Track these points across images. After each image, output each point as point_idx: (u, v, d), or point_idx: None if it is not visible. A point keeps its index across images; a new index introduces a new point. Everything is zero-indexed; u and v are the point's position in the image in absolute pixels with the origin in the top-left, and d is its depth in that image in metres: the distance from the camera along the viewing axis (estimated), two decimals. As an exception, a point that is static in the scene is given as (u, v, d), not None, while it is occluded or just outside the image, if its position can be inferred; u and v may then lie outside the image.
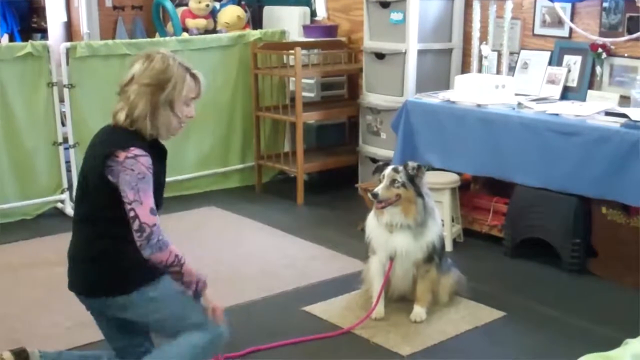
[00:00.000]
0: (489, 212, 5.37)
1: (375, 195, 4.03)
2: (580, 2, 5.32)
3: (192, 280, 3.10)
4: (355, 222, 5.43)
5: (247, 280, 4.75)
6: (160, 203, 3.12)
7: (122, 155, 2.95)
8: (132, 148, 2.97)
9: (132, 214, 2.92)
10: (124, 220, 2.96)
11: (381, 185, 4.06)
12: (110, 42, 6.27)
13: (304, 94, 6.66)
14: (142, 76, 3.04)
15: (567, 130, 4.68)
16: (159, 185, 3.09)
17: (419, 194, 4.07)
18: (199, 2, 7.87)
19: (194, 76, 3.13)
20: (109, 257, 3.06)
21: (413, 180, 4.07)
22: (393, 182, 4.05)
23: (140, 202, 2.93)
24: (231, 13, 7.79)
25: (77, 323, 4.08)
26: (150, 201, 2.96)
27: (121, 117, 3.06)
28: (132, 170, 2.94)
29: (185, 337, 3.10)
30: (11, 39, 9.84)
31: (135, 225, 2.92)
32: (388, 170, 4.12)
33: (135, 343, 3.31)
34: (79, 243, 3.15)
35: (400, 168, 4.11)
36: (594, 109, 4.89)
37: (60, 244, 5.35)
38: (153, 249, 2.93)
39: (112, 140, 3.04)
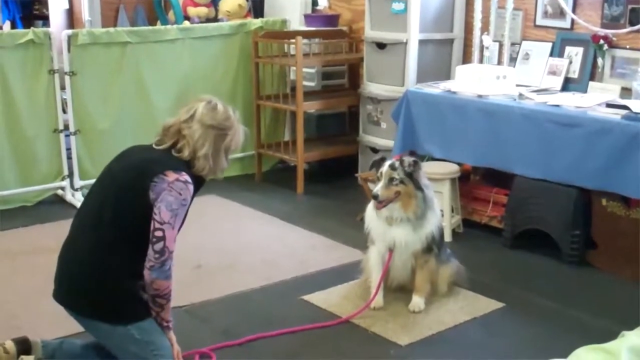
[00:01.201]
0: (488, 203, 5.37)
1: (375, 197, 4.03)
2: (583, -6, 5.32)
3: (168, 318, 3.18)
4: (355, 212, 5.43)
5: (246, 269, 4.76)
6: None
7: (172, 176, 3.04)
8: (184, 173, 3.07)
9: (159, 234, 2.97)
10: (139, 246, 3.00)
11: (380, 185, 4.05)
12: (111, 29, 6.26)
13: (305, 83, 6.66)
14: (207, 118, 3.17)
15: (567, 121, 4.68)
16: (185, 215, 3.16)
17: (418, 188, 4.07)
18: (201, -10, 7.86)
19: (243, 130, 3.34)
20: (111, 282, 3.08)
21: (411, 175, 4.07)
22: (391, 180, 4.04)
23: (172, 227, 3.00)
24: (232, 2, 7.77)
25: (77, 310, 4.09)
26: (177, 230, 3.05)
27: (186, 153, 3.15)
28: (180, 194, 3.02)
29: None
30: (13, 26, 9.80)
31: (158, 247, 2.97)
32: (385, 168, 4.09)
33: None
34: (82, 255, 3.15)
35: (397, 164, 4.08)
36: (595, 101, 4.89)
37: (60, 230, 5.34)
38: (161, 275, 2.99)
39: (163, 161, 3.11)
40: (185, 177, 3.07)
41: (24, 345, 3.26)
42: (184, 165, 3.12)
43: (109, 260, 3.07)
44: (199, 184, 3.22)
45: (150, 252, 2.99)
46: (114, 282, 3.08)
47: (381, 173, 4.08)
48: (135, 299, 3.10)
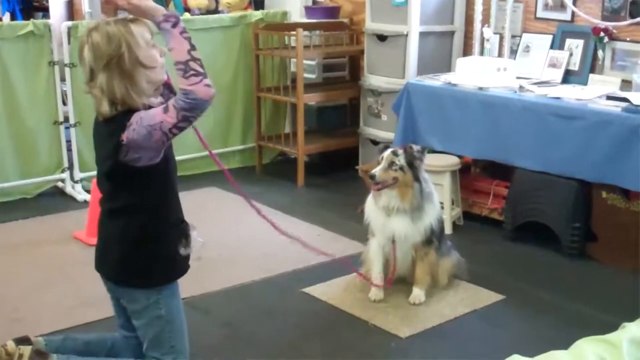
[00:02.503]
0: (489, 196, 5.37)
1: (372, 177, 4.04)
2: (583, -14, 5.31)
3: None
4: (355, 204, 5.43)
5: (246, 261, 4.76)
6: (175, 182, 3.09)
7: (124, 136, 2.75)
8: (127, 123, 2.75)
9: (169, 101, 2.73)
10: (151, 206, 2.93)
11: (379, 167, 4.06)
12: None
13: (305, 75, 6.65)
14: (95, 59, 2.82)
15: (568, 114, 4.68)
16: (168, 162, 2.98)
17: (416, 179, 4.07)
18: (201, -18, 7.84)
19: (135, 22, 2.86)
20: (138, 246, 2.98)
21: (412, 164, 4.07)
22: (391, 164, 4.06)
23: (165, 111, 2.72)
24: (233, -7, 7.76)
25: (79, 302, 4.10)
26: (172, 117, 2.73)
27: (105, 108, 2.81)
28: (137, 123, 2.73)
29: None
30: (13, 18, 9.80)
31: (185, 99, 2.70)
32: (387, 152, 4.12)
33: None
34: (105, 222, 3.06)
35: (400, 151, 4.10)
36: (596, 93, 4.88)
37: (60, 222, 5.41)
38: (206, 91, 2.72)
39: (109, 133, 2.82)
40: (131, 120, 2.73)
41: (25, 344, 3.18)
42: (125, 117, 2.77)
43: (120, 228, 2.98)
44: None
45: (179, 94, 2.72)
46: (129, 246, 2.97)
47: (382, 157, 4.09)
48: (161, 260, 2.99)
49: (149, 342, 3.09)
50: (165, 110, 2.73)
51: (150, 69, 2.86)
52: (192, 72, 2.73)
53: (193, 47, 2.78)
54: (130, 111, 2.79)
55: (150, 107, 2.83)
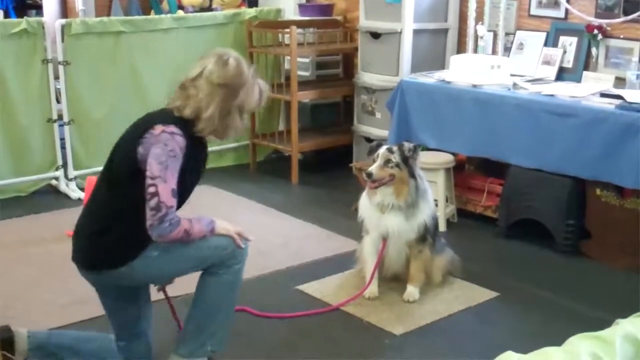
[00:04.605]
0: (483, 193, 5.38)
1: (369, 175, 4.03)
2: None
3: (204, 234, 3.07)
4: (350, 202, 5.44)
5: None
6: (186, 198, 3.14)
7: (159, 129, 2.93)
8: (171, 125, 2.95)
9: (152, 189, 2.87)
10: (138, 202, 2.92)
11: (375, 165, 4.06)
12: (105, 19, 6.25)
13: (299, 72, 6.65)
14: (214, 76, 3.02)
15: (562, 111, 4.69)
16: (195, 177, 3.13)
17: (412, 175, 4.07)
18: (195, -20, 7.83)
19: (260, 86, 3.17)
20: (113, 233, 3.01)
21: (407, 161, 4.07)
22: (387, 162, 4.05)
23: (164, 180, 2.88)
24: (227, -9, 7.76)
25: (72, 300, 4.09)
26: (173, 182, 2.92)
27: (187, 112, 3.02)
28: (165, 145, 2.90)
29: (216, 285, 3.14)
30: (6, 15, 9.76)
31: (152, 203, 2.88)
32: (382, 150, 4.11)
33: (136, 316, 3.27)
34: (85, 218, 3.14)
35: (395, 148, 4.10)
36: (589, 90, 4.89)
37: (54, 221, 5.40)
38: (163, 232, 2.90)
39: (154, 117, 3.04)
40: (172, 128, 2.93)
41: (5, 334, 3.18)
42: (179, 121, 3.00)
43: (109, 221, 3.02)
44: (200, 143, 3.11)
45: (147, 210, 2.88)
46: (117, 232, 3.01)
47: (377, 155, 4.09)
48: (140, 238, 2.98)
49: (195, 270, 3.16)
50: (162, 182, 2.89)
51: (241, 121, 3.13)
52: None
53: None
54: (187, 122, 3.00)
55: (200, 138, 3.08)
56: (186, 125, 3.01)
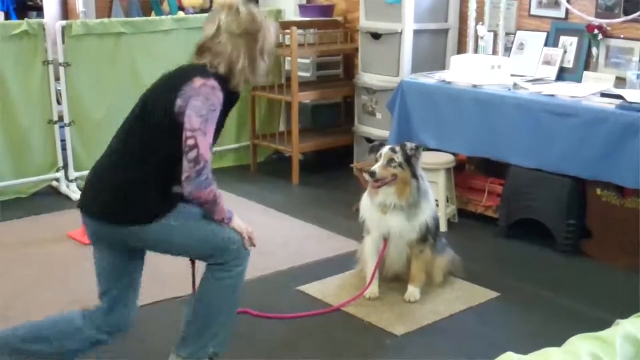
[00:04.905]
0: (484, 193, 5.38)
1: (372, 174, 4.03)
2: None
3: (222, 217, 3.08)
4: (351, 203, 5.44)
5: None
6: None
7: (199, 81, 2.94)
8: (212, 79, 2.97)
9: (191, 142, 2.87)
10: (171, 157, 2.93)
11: (378, 164, 4.06)
12: (106, 20, 6.25)
13: (300, 73, 6.65)
14: (234, 26, 3.04)
15: (562, 111, 4.69)
16: (220, 128, 3.08)
17: (414, 176, 4.07)
18: (195, -19, 7.84)
19: (271, 24, 3.19)
20: (138, 189, 2.99)
21: (409, 161, 4.07)
22: (390, 161, 4.05)
23: (204, 133, 2.89)
24: (227, -8, 7.75)
25: (73, 301, 4.09)
26: (211, 136, 2.94)
27: (222, 69, 3.05)
28: (207, 99, 2.92)
29: (218, 287, 3.13)
30: (7, 17, 9.77)
31: (192, 155, 2.88)
32: (385, 149, 4.11)
33: (126, 284, 3.19)
34: (108, 167, 3.08)
35: (398, 148, 4.10)
36: (590, 91, 4.89)
37: (55, 222, 5.40)
38: (200, 186, 2.90)
39: (191, 70, 3.04)
40: (213, 83, 2.95)
41: None
42: (217, 76, 3.02)
43: (136, 172, 2.99)
44: (235, 97, 3.14)
45: (184, 162, 2.88)
46: (145, 188, 2.99)
47: (380, 154, 4.09)
48: (164, 199, 3.01)
49: (194, 257, 3.16)
50: (202, 135, 2.90)
51: (265, 65, 3.16)
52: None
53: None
54: (223, 80, 3.02)
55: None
56: (223, 81, 3.03)
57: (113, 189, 3.02)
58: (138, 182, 3.00)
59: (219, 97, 2.96)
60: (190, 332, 3.21)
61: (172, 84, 3.00)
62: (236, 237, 3.12)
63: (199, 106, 2.90)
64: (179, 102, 2.92)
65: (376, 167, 4.04)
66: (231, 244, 3.10)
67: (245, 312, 3.89)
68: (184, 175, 2.90)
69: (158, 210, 3.02)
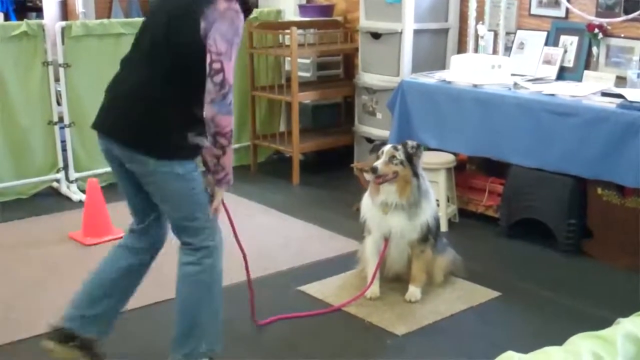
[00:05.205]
0: (484, 193, 5.38)
1: (374, 170, 4.03)
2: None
3: (227, 169, 3.07)
4: (351, 202, 5.44)
5: (242, 260, 4.75)
6: None
7: (222, 4, 2.90)
8: (233, 2, 2.94)
9: (217, 66, 2.86)
10: (191, 80, 2.93)
11: (380, 161, 4.06)
12: (105, 21, 6.25)
13: (300, 73, 6.65)
14: None
15: (563, 110, 4.69)
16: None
17: (415, 174, 4.07)
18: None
19: None
20: (161, 115, 2.99)
21: (410, 159, 4.07)
22: (392, 158, 4.06)
23: (229, 58, 2.89)
24: (227, -8, 7.75)
25: (73, 302, 4.09)
26: (234, 61, 2.94)
27: None
28: (232, 23, 2.90)
29: (192, 287, 3.20)
30: (6, 18, 9.78)
31: (217, 79, 2.87)
32: (387, 147, 4.13)
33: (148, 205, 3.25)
34: (136, 86, 3.06)
35: (399, 146, 4.11)
36: (590, 90, 4.89)
37: (55, 223, 5.40)
38: (222, 109, 2.89)
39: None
40: (236, 6, 2.93)
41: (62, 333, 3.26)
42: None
43: (160, 93, 2.99)
44: (248, 13, 3.09)
45: (209, 85, 2.87)
46: (164, 116, 2.99)
47: (382, 152, 4.09)
48: (184, 140, 3.00)
49: (173, 212, 3.15)
50: (228, 59, 2.89)
51: None
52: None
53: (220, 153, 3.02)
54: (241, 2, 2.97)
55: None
56: (242, 3, 3.00)
57: (138, 121, 3.03)
58: (162, 113, 2.99)
59: (241, 20, 2.95)
60: (177, 335, 3.25)
61: (194, 5, 2.93)
62: (210, 225, 3.21)
63: (224, 30, 2.88)
64: (203, 24, 2.89)
65: (378, 163, 4.05)
66: (205, 210, 3.16)
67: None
68: (208, 98, 2.88)
69: (177, 150, 3.02)
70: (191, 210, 3.13)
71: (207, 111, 2.90)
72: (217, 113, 2.89)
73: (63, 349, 3.24)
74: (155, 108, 3.00)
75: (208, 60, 2.87)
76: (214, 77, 2.86)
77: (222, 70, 2.86)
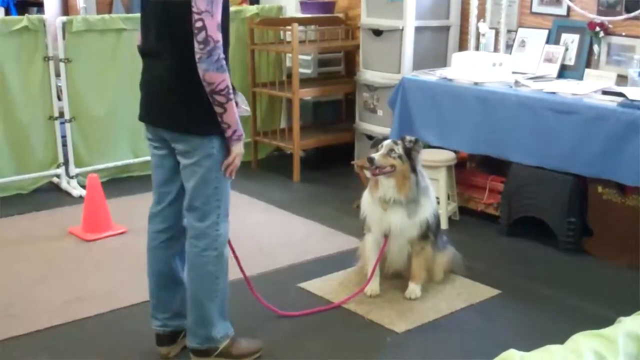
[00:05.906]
0: (485, 191, 5.38)
1: (371, 160, 4.02)
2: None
3: (232, 125, 3.13)
4: (351, 200, 5.43)
5: (242, 257, 4.74)
6: (229, 41, 3.17)
7: None
8: None
9: (199, 24, 2.93)
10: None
11: (378, 152, 4.06)
12: (106, 16, 6.24)
13: (301, 70, 6.65)
14: None
15: (563, 109, 4.68)
16: (226, 27, 3.12)
17: (413, 170, 4.07)
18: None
19: None
20: (192, 94, 3.08)
21: (409, 155, 4.07)
22: (390, 151, 4.05)
23: (210, 14, 2.94)
24: (228, -12, 7.74)
25: (74, 297, 4.10)
26: (219, 17, 2.98)
27: None
28: None
29: (199, 279, 3.30)
30: (7, 13, 9.77)
31: (200, 37, 2.94)
32: (387, 141, 4.14)
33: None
34: (161, 71, 3.18)
35: (399, 141, 4.12)
36: (591, 88, 4.89)
37: (56, 218, 5.40)
38: (211, 67, 2.96)
39: None
40: None
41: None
42: None
43: (182, 69, 3.06)
44: None
45: (195, 44, 2.95)
46: (194, 88, 3.06)
47: (382, 145, 4.10)
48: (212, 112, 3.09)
49: (194, 189, 3.21)
50: (209, 16, 2.95)
51: None
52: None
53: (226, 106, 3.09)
54: None
55: None
56: None
57: (173, 108, 3.17)
58: (188, 95, 3.11)
59: None
60: (190, 323, 3.38)
61: None
62: (219, 213, 3.28)
63: None
64: None
65: (376, 154, 4.05)
66: (225, 197, 3.27)
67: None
68: (197, 57, 2.97)
69: (212, 124, 3.11)
70: (208, 192, 3.21)
71: (199, 71, 2.99)
72: (206, 70, 2.98)
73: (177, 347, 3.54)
74: (183, 85, 3.10)
75: (192, 19, 2.95)
76: (197, 35, 2.95)
77: (204, 27, 2.94)
